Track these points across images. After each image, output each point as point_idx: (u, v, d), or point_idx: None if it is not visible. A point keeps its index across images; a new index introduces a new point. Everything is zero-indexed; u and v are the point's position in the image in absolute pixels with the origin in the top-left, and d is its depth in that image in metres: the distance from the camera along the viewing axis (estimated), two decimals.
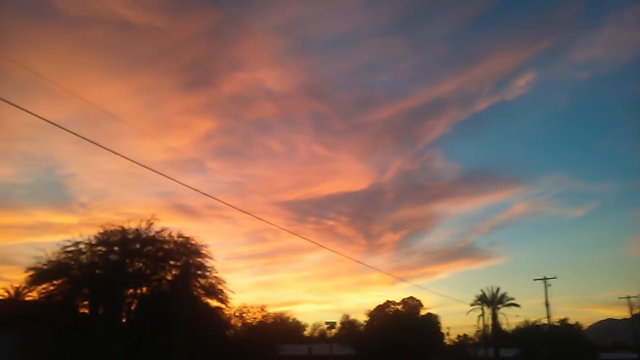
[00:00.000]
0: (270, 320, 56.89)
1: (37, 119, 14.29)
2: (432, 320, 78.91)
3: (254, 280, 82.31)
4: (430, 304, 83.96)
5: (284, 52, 76.20)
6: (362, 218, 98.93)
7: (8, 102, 13.38)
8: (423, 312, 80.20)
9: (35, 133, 66.39)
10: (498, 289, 76.99)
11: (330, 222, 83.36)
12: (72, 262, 31.12)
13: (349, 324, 78.10)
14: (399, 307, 79.72)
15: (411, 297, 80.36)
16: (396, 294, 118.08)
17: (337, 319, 75.99)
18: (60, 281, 30.60)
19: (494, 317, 76.48)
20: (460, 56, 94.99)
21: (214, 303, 34.66)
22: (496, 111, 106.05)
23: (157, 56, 69.39)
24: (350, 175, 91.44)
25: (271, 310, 58.59)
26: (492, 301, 76.69)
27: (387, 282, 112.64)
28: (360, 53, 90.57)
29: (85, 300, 31.20)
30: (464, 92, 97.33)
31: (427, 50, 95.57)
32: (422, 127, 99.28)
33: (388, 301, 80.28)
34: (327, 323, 57.28)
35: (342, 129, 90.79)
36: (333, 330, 61.04)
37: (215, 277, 34.10)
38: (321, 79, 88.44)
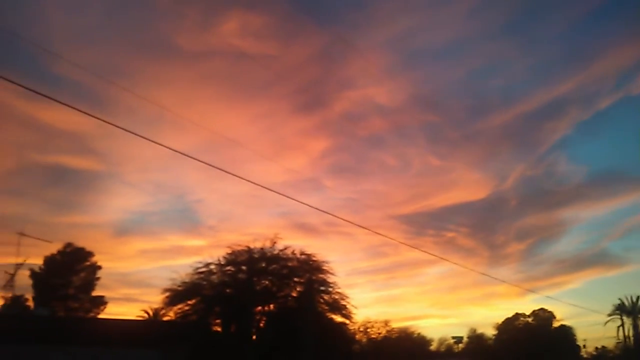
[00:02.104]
0: (394, 335, 56.44)
1: (167, 149, 15.35)
2: (566, 333, 74.71)
3: (376, 295, 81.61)
4: (563, 316, 78.78)
5: (393, 66, 75.90)
6: (483, 228, 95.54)
7: (140, 136, 14.45)
8: (556, 324, 76.20)
9: (166, 163, 70.91)
10: (638, 297, 71.59)
11: (450, 234, 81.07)
12: (204, 283, 32.68)
13: (476, 338, 75.59)
14: (529, 319, 76.28)
15: (542, 309, 76.66)
16: (525, 305, 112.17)
17: (463, 333, 73.73)
18: (194, 301, 32.22)
19: (635, 327, 71.09)
20: (578, 53, 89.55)
21: (338, 318, 34.85)
22: (622, 107, 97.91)
23: (272, 82, 71.73)
24: (468, 184, 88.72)
25: (395, 325, 58.19)
26: (632, 310, 71.31)
27: (514, 294, 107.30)
28: (471, 59, 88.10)
29: (217, 319, 32.55)
30: (585, 90, 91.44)
31: (542, 50, 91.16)
32: (542, 130, 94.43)
33: (517, 314, 77.11)
34: (453, 337, 55.97)
35: (456, 138, 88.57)
36: (460, 345, 59.31)
37: (338, 293, 34.33)
38: (432, 89, 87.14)
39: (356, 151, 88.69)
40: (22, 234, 32.77)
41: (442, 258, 40.05)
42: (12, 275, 35.62)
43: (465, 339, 72.85)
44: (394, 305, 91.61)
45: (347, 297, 34.56)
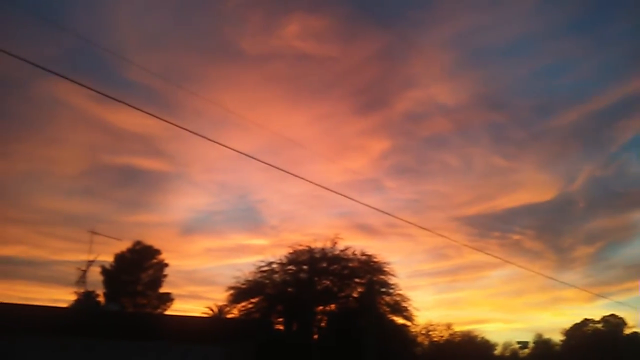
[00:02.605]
0: (457, 339, 55.65)
1: (231, 150, 15.72)
2: (639, 340, 71.74)
3: (438, 298, 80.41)
4: (635, 322, 75.53)
5: (456, 65, 74.71)
6: (550, 231, 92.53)
7: (206, 138, 14.84)
8: (627, 331, 73.34)
9: (230, 164, 72.42)
10: None
11: (516, 237, 78.95)
12: (267, 281, 33.22)
13: (543, 344, 73.56)
14: (599, 325, 73.72)
15: (612, 315, 74.01)
16: (594, 311, 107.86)
17: (529, 338, 71.79)
18: (257, 299, 32.79)
19: None
20: None
21: (399, 320, 34.71)
22: None
23: (333, 83, 72.15)
24: (534, 186, 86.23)
25: (458, 328, 57.33)
26: None
27: (583, 299, 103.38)
28: (538, 57, 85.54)
29: (280, 317, 32.98)
30: None
31: (612, 46, 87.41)
32: (613, 129, 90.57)
33: (586, 319, 74.69)
34: (519, 343, 54.49)
35: (522, 138, 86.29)
36: (526, 350, 57.76)
37: (399, 295, 34.14)
38: (497, 88, 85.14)
39: (418, 151, 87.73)
40: (94, 232, 34.07)
41: (506, 261, 39.27)
42: (85, 272, 37.00)
43: (531, 344, 71.16)
44: (456, 308, 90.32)
45: (408, 299, 34.38)
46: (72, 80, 11.98)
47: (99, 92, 12.59)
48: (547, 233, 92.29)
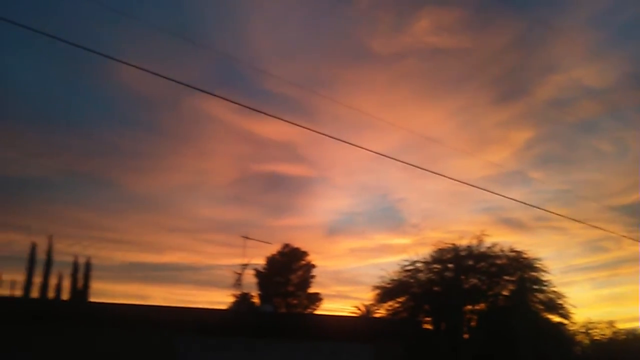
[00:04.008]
0: (621, 337, 51.80)
1: (369, 152, 16.07)
2: None
3: (597, 294, 74.94)
4: None
5: (601, 45, 69.41)
6: None
7: (344, 141, 15.30)
8: None
9: (368, 165, 73.07)
10: None
11: None
12: (412, 280, 33.20)
13: None
14: None
15: None
16: None
17: None
18: (403, 298, 32.90)
19: None
20: None
21: (555, 319, 33.05)
22: None
23: (468, 75, 69.92)
24: None
25: (622, 326, 53.31)
26: None
27: None
28: None
29: (427, 316, 32.81)
30: None
31: None
32: None
33: None
34: None
35: None
36: None
37: (554, 292, 32.54)
38: None
39: (565, 139, 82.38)
40: (246, 237, 35.84)
41: None
42: (240, 275, 39.13)
43: None
44: (619, 304, 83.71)
45: (564, 295, 32.65)
46: (218, 96, 12.95)
47: (242, 105, 13.45)
48: None
